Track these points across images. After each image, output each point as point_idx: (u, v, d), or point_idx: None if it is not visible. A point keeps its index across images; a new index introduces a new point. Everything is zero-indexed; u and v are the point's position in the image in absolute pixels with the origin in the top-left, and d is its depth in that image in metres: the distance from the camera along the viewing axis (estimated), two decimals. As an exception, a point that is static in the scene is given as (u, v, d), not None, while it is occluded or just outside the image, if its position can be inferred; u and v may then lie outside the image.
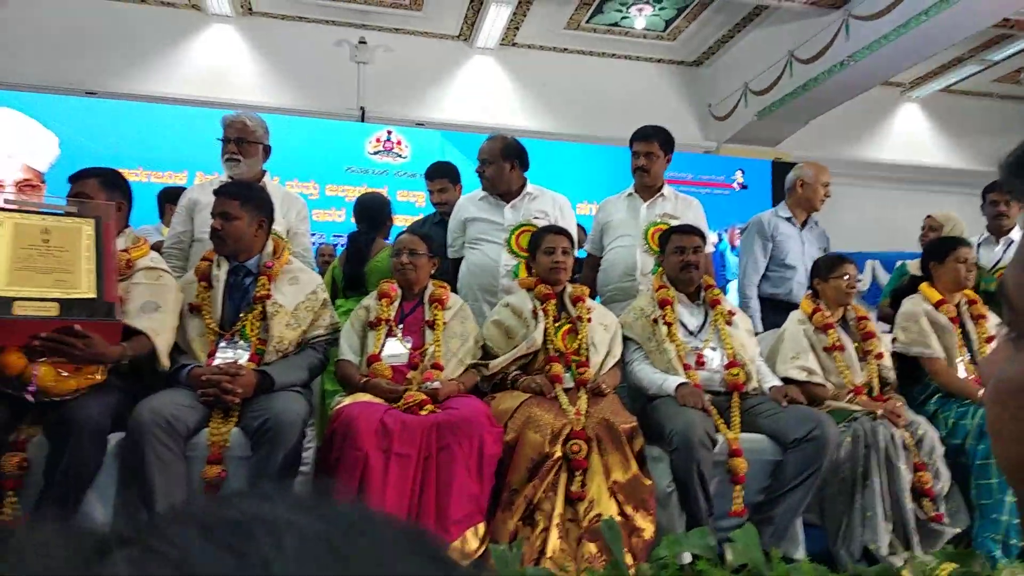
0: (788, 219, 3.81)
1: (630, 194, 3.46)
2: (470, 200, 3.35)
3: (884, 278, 5.68)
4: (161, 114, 6.55)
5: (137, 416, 2.09)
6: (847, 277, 3.00)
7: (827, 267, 3.06)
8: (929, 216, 4.14)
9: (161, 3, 7.07)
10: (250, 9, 7.25)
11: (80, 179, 2.43)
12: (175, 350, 2.41)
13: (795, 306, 3.58)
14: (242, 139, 3.09)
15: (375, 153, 6.88)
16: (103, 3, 6.93)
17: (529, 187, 3.31)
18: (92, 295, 2.02)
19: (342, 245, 4.68)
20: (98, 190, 2.41)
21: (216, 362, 2.35)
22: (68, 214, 2.11)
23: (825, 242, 3.87)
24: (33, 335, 1.92)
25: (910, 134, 8.89)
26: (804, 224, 3.80)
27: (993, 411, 0.41)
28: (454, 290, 3.02)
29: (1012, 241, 3.79)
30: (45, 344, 1.94)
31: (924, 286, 3.13)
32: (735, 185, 7.71)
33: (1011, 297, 0.42)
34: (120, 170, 2.63)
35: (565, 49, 7.95)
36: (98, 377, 2.12)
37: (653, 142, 3.36)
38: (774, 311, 3.67)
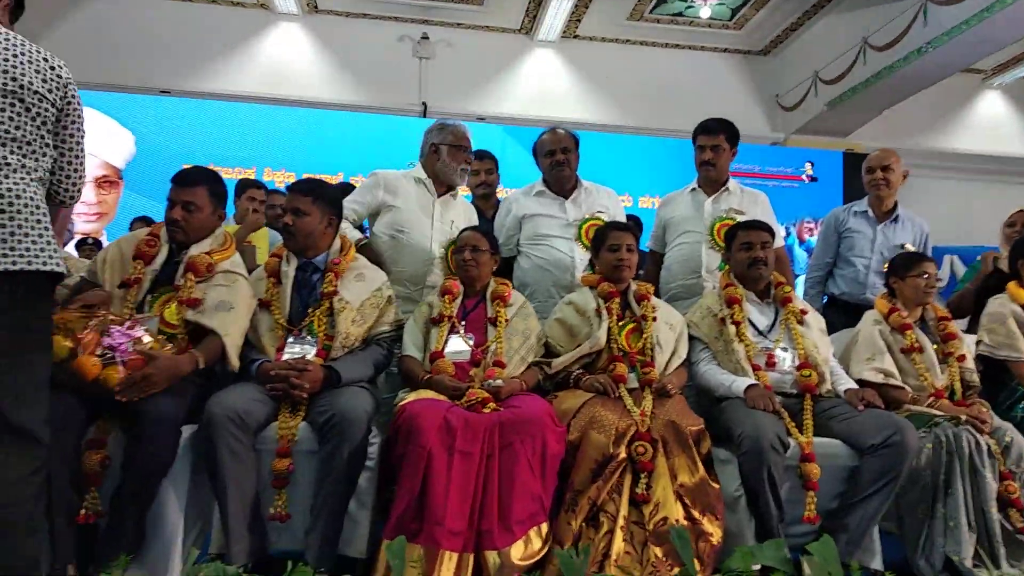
0: (863, 212, 3.66)
1: (694, 189, 3.38)
2: (525, 195, 3.28)
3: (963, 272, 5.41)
4: (230, 111, 6.72)
5: (209, 410, 2.14)
6: (926, 276, 2.86)
7: (905, 265, 2.93)
8: (1022, 211, 3.86)
9: (231, 3, 7.25)
10: (315, 7, 7.37)
11: (189, 184, 2.44)
12: (245, 344, 2.45)
13: (854, 306, 3.45)
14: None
15: (437, 148, 6.90)
16: (175, 4, 7.15)
17: (583, 181, 3.26)
18: None
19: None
20: (207, 201, 2.46)
21: (284, 357, 2.39)
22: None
23: (915, 235, 3.61)
24: None
25: (991, 123, 8.47)
26: (886, 217, 3.64)
27: None
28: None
29: None
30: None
31: (1012, 285, 2.97)
32: (804, 177, 7.48)
33: None
34: (190, 167, 2.68)
35: (628, 40, 7.84)
36: None
37: (719, 135, 3.27)
38: (836, 312, 3.54)
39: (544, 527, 2.24)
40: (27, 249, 1.69)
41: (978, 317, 3.09)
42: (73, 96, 1.89)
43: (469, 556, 2.14)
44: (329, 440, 2.20)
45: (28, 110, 1.77)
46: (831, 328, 3.12)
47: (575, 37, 7.78)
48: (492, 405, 2.35)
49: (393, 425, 2.29)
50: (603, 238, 2.81)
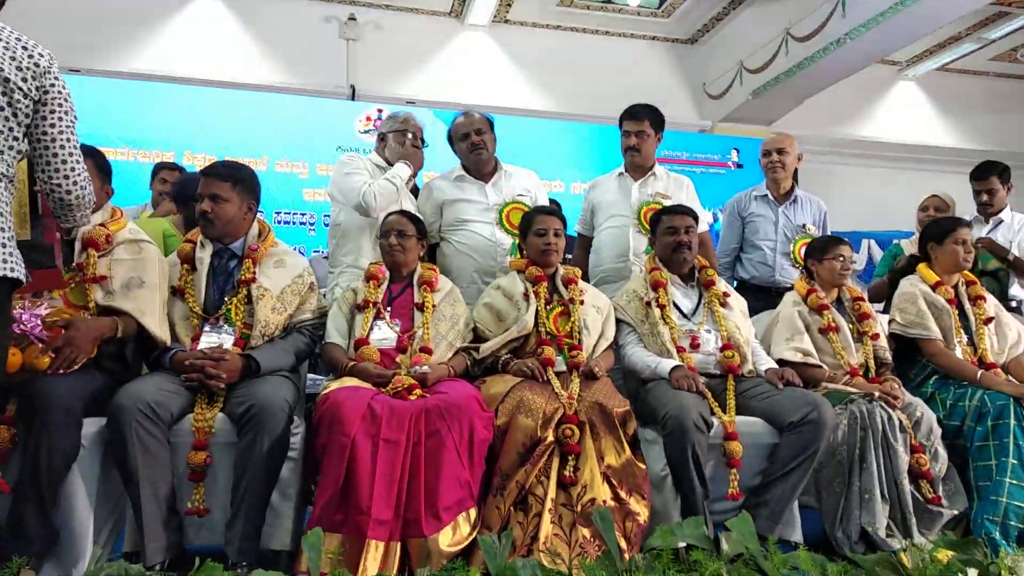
0: (763, 196, 3.73)
1: (621, 174, 3.40)
2: (444, 180, 3.24)
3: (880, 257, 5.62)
4: (147, 92, 6.41)
5: (118, 401, 2.04)
6: (842, 259, 2.96)
7: (821, 248, 3.02)
8: (935, 196, 3.96)
9: (146, -22, 6.91)
10: (237, -15, 7.10)
11: None
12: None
13: (764, 289, 3.54)
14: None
15: (365, 132, 6.76)
16: (86, -22, 6.76)
17: (503, 164, 3.24)
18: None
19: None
20: (94, 175, 2.27)
21: (200, 346, 2.31)
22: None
23: (815, 216, 3.72)
24: None
25: (906, 113, 8.81)
26: (785, 199, 3.72)
27: None
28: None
29: (1002, 220, 3.75)
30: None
31: (922, 267, 3.09)
32: (731, 164, 7.64)
33: None
34: (105, 149, 2.54)
35: (558, 26, 7.82)
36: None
37: (643, 121, 3.30)
38: (746, 296, 3.60)
39: (472, 512, 2.22)
40: None
41: (891, 298, 3.21)
42: (52, 84, 1.75)
43: (396, 544, 2.11)
44: (248, 431, 2.12)
45: None
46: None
47: (506, 22, 7.73)
48: (418, 392, 2.32)
49: (316, 414, 2.23)
50: (530, 223, 2.80)
